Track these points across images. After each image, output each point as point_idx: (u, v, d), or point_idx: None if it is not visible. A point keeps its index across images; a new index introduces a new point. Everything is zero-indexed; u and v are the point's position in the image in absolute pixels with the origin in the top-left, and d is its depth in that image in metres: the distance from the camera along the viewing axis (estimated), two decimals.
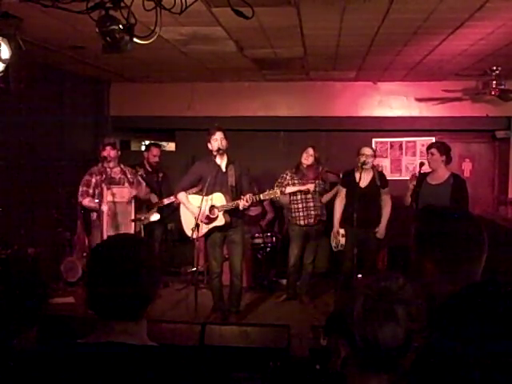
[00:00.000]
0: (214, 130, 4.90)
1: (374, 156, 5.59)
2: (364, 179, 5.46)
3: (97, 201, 5.21)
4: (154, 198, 6.19)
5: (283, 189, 5.38)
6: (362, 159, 5.40)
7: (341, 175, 6.02)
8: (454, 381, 1.23)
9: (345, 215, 5.58)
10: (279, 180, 5.78)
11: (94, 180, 5.34)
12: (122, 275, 1.40)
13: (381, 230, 5.50)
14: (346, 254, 5.48)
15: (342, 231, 5.61)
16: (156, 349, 1.40)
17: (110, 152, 5.39)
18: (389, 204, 5.56)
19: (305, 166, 5.75)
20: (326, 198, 5.99)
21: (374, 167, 5.61)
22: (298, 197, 5.71)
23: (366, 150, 5.49)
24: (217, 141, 4.86)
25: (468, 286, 1.38)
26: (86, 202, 5.34)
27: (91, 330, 1.42)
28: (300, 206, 5.72)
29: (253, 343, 3.42)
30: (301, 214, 5.71)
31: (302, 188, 5.66)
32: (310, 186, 5.63)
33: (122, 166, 5.61)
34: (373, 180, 5.52)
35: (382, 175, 5.71)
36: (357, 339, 1.33)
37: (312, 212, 5.72)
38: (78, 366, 1.31)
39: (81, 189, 5.36)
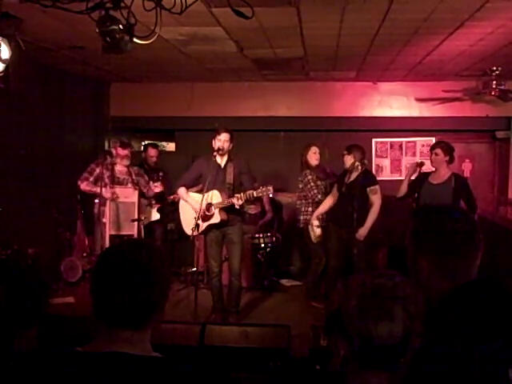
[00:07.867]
0: (221, 130, 4.90)
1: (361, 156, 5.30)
2: (349, 178, 5.30)
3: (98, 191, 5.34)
4: None
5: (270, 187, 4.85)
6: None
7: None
8: (452, 380, 1.23)
9: (330, 214, 5.55)
10: (308, 183, 5.65)
11: (98, 170, 5.47)
12: (131, 283, 1.34)
13: (361, 231, 5.13)
14: (330, 252, 5.48)
15: (316, 222, 5.48)
16: (158, 360, 1.37)
17: (127, 153, 5.62)
18: (375, 205, 5.21)
19: (314, 166, 5.72)
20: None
21: (363, 166, 5.26)
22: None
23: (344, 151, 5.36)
24: (220, 141, 4.87)
25: (465, 283, 1.40)
26: (84, 185, 5.45)
27: (92, 331, 1.40)
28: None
29: (253, 343, 3.42)
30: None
31: None
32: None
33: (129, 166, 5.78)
34: (356, 179, 5.24)
35: (366, 173, 5.30)
36: (353, 337, 1.33)
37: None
38: (78, 380, 1.28)
39: (83, 174, 5.47)
